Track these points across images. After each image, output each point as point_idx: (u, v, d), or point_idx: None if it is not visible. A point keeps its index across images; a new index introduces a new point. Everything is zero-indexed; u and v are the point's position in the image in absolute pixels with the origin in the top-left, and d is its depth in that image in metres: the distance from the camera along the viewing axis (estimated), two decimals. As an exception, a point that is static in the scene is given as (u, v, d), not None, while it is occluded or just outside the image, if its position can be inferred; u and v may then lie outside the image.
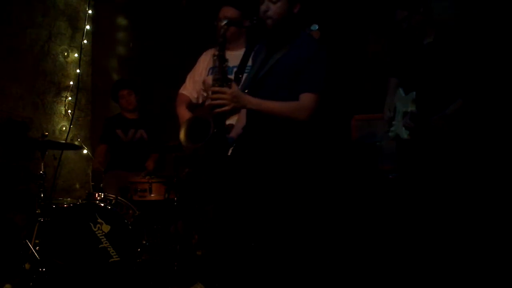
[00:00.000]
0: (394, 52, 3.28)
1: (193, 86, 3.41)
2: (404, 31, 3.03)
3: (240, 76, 2.54)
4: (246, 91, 2.42)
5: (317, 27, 2.83)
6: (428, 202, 2.87)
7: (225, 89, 2.28)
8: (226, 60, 2.39)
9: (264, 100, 2.34)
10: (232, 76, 2.46)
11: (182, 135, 2.31)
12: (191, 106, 3.38)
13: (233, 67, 2.63)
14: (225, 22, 2.40)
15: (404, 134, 2.97)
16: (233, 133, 2.63)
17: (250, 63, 2.61)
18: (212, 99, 2.30)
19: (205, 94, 3.32)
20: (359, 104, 4.25)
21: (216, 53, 2.37)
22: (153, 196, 3.73)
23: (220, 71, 2.37)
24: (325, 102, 2.46)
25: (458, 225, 2.81)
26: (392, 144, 3.28)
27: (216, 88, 2.30)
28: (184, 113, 3.28)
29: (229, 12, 3.19)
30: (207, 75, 3.31)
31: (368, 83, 4.34)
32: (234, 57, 2.68)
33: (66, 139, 4.42)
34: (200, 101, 3.39)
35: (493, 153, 3.06)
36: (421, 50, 2.96)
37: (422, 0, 2.91)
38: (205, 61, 3.39)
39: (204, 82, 3.33)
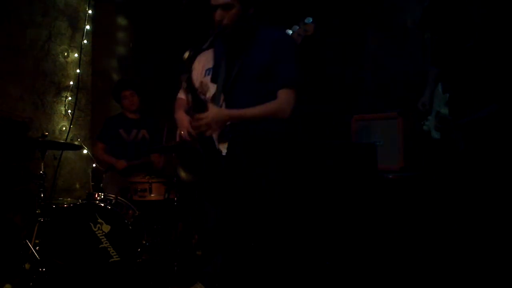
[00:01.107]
0: (438, 44, 3.26)
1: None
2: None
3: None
4: (222, 97, 2.43)
5: (311, 20, 2.82)
6: (451, 203, 2.88)
7: (201, 115, 2.29)
8: (196, 90, 2.38)
9: (244, 109, 2.35)
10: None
11: (182, 173, 2.33)
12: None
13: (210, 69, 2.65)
14: (187, 53, 2.31)
15: (435, 134, 3.00)
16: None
17: (211, 65, 2.62)
18: (195, 128, 2.32)
19: (202, 97, 3.32)
20: (359, 104, 4.26)
21: (185, 85, 2.35)
22: (153, 196, 3.72)
23: (193, 101, 2.35)
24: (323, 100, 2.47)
25: (475, 229, 2.82)
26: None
27: (195, 117, 2.31)
28: (181, 117, 3.26)
29: None
30: (204, 76, 3.31)
31: (368, 82, 4.35)
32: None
33: (66, 139, 4.43)
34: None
35: None
36: (461, 52, 2.95)
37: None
38: (201, 62, 3.39)
39: (201, 84, 3.33)
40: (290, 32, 2.84)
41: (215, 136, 2.44)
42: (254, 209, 2.37)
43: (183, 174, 2.33)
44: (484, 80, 2.83)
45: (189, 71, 2.33)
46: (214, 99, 2.52)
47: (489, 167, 2.81)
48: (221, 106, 2.43)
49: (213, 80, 2.56)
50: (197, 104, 2.35)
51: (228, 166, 2.53)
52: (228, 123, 2.38)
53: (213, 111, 2.31)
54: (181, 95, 3.43)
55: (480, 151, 2.83)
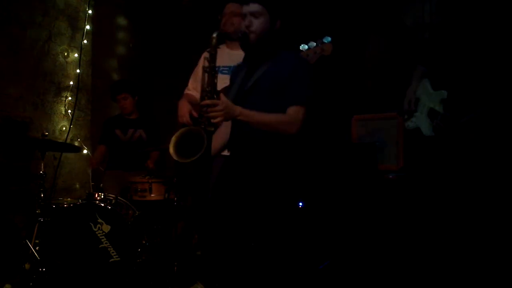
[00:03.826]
0: (425, 41, 3.25)
1: (194, 86, 3.42)
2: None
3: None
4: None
5: (330, 40, 2.79)
6: (448, 200, 2.88)
7: (216, 101, 2.29)
8: (216, 72, 2.39)
9: (254, 111, 2.36)
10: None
11: (171, 149, 2.30)
12: (194, 104, 3.37)
13: (223, 67, 2.64)
14: (215, 34, 2.41)
15: (428, 131, 2.97)
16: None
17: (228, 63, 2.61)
18: (204, 112, 2.30)
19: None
20: (359, 104, 4.26)
21: (207, 64, 2.38)
22: (153, 196, 3.73)
23: (209, 83, 2.37)
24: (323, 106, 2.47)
25: (472, 229, 2.81)
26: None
27: (208, 101, 2.30)
28: (183, 104, 3.26)
29: (234, 7, 3.21)
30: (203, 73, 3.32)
31: (368, 82, 4.35)
32: (232, 55, 2.68)
33: (66, 139, 4.43)
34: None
35: None
36: (457, 50, 2.94)
37: None
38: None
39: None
40: (306, 47, 2.83)
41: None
42: (253, 209, 2.37)
43: (173, 153, 2.30)
44: (480, 77, 2.82)
45: (214, 50, 2.37)
46: None
47: (491, 164, 2.81)
48: None
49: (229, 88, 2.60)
50: (210, 87, 2.36)
51: (228, 164, 2.54)
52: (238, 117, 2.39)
53: (227, 101, 2.32)
54: (187, 91, 3.44)
55: (484, 149, 2.82)
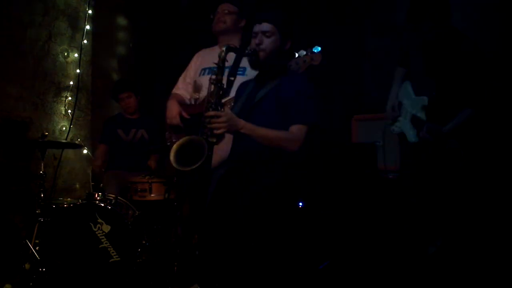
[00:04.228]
0: (406, 44, 3.26)
1: (184, 87, 3.43)
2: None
3: (232, 79, 2.74)
4: None
5: (319, 49, 2.84)
6: (436, 205, 2.88)
7: (220, 113, 2.34)
8: (222, 86, 2.44)
9: (257, 126, 2.40)
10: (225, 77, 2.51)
11: (172, 157, 2.32)
12: (183, 105, 3.38)
13: (227, 67, 2.65)
14: (225, 47, 2.47)
15: (412, 137, 2.98)
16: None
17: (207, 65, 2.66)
18: (207, 123, 2.33)
19: (195, 96, 3.34)
20: (359, 104, 4.26)
21: (214, 77, 2.43)
22: (153, 196, 3.73)
23: (215, 95, 2.41)
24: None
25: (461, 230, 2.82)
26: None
27: (212, 113, 2.35)
28: (172, 105, 3.26)
29: (227, 7, 3.24)
30: (199, 75, 3.32)
31: (368, 83, 4.35)
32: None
33: (66, 139, 4.43)
34: (192, 102, 3.39)
35: (503, 162, 3.06)
36: (439, 54, 2.95)
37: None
38: (197, 62, 3.40)
39: (195, 83, 3.34)
40: (296, 55, 2.87)
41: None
42: (253, 210, 2.37)
43: (174, 161, 2.32)
44: (460, 82, 2.83)
45: (223, 63, 2.44)
46: None
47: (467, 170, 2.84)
48: None
49: (230, 75, 2.71)
50: (216, 99, 2.40)
51: (229, 168, 2.54)
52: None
53: (230, 113, 2.38)
54: (176, 90, 3.45)
55: (476, 154, 2.85)
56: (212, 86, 2.42)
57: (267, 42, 2.47)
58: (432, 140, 2.87)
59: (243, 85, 2.73)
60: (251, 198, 2.34)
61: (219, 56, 2.45)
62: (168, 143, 3.33)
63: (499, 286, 2.75)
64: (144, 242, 3.48)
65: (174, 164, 2.31)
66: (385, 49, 4.23)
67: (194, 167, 2.23)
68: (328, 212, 3.42)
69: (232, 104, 2.73)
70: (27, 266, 3.23)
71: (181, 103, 3.34)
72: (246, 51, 2.50)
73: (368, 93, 4.31)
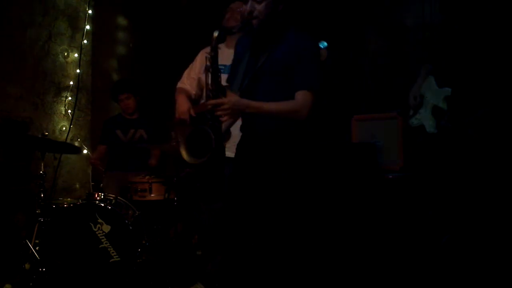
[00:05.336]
0: (428, 39, 3.24)
1: (189, 82, 3.42)
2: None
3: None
4: (238, 92, 2.40)
5: (326, 45, 2.77)
6: (451, 199, 2.87)
7: (222, 100, 2.27)
8: (219, 70, 2.37)
9: (262, 102, 2.33)
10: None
11: (184, 152, 2.30)
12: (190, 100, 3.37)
13: (221, 65, 2.64)
14: (216, 32, 2.37)
15: (432, 128, 2.97)
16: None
17: (226, 62, 2.61)
18: (212, 112, 2.28)
19: (200, 93, 3.33)
20: (359, 104, 4.26)
21: (209, 64, 2.35)
22: (153, 196, 3.73)
23: (213, 82, 2.34)
24: (324, 100, 2.44)
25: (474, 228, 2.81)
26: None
27: (213, 101, 2.28)
28: (182, 101, 3.24)
29: (240, 5, 3.23)
30: (203, 73, 3.31)
31: (368, 82, 4.35)
32: (231, 55, 2.68)
33: (66, 139, 4.43)
34: (195, 98, 3.38)
35: None
36: (460, 48, 2.94)
37: None
38: (202, 59, 3.39)
39: (199, 80, 3.34)
40: None
41: (224, 126, 2.42)
42: (255, 208, 2.37)
43: (187, 156, 2.30)
44: (483, 77, 2.82)
45: (215, 51, 2.34)
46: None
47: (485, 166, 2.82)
48: None
49: (230, 78, 2.55)
50: (215, 86, 2.33)
51: (235, 164, 2.53)
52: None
53: (234, 97, 2.30)
54: (181, 84, 3.44)
55: (488, 148, 2.82)
56: (209, 74, 2.34)
57: (259, 8, 2.35)
58: (452, 128, 2.85)
59: (236, 59, 2.58)
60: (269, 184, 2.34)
61: (211, 42, 2.34)
62: (174, 143, 3.32)
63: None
64: (144, 242, 3.48)
65: (187, 159, 2.29)
66: (385, 49, 4.23)
67: (207, 157, 2.21)
68: (327, 213, 3.41)
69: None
70: (27, 266, 3.23)
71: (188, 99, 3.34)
72: (239, 25, 2.41)
73: (368, 93, 4.30)
